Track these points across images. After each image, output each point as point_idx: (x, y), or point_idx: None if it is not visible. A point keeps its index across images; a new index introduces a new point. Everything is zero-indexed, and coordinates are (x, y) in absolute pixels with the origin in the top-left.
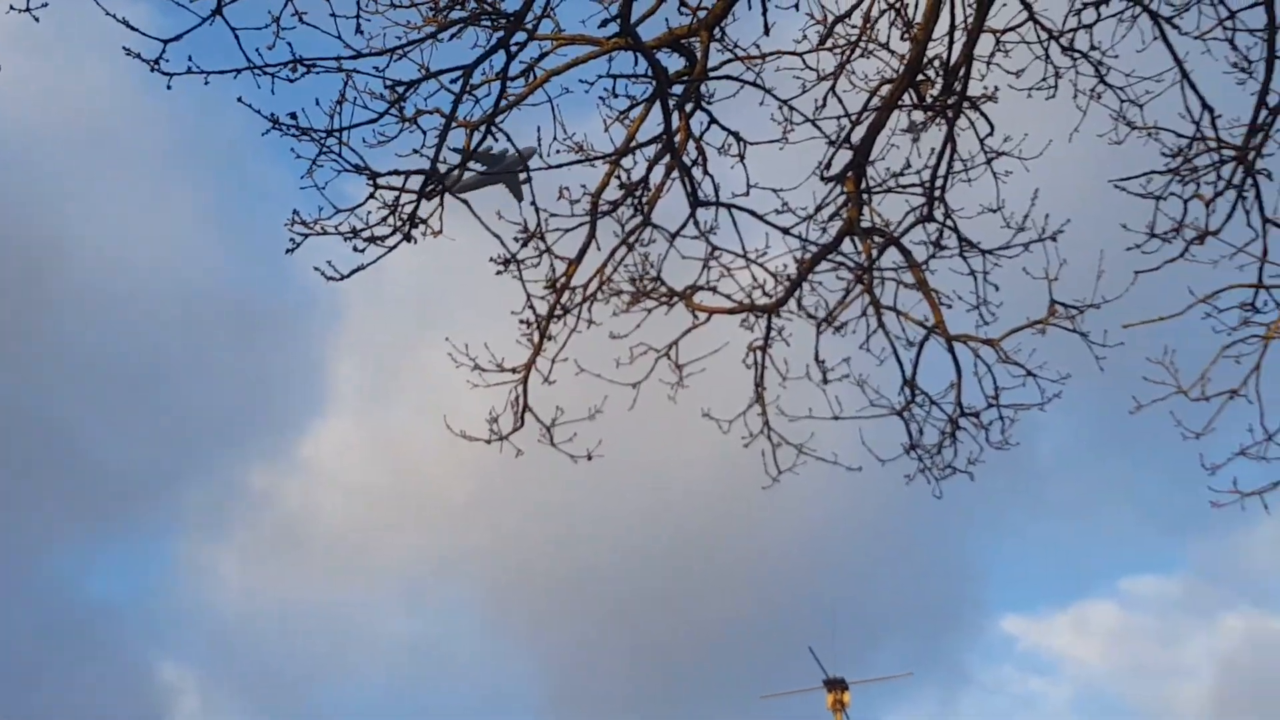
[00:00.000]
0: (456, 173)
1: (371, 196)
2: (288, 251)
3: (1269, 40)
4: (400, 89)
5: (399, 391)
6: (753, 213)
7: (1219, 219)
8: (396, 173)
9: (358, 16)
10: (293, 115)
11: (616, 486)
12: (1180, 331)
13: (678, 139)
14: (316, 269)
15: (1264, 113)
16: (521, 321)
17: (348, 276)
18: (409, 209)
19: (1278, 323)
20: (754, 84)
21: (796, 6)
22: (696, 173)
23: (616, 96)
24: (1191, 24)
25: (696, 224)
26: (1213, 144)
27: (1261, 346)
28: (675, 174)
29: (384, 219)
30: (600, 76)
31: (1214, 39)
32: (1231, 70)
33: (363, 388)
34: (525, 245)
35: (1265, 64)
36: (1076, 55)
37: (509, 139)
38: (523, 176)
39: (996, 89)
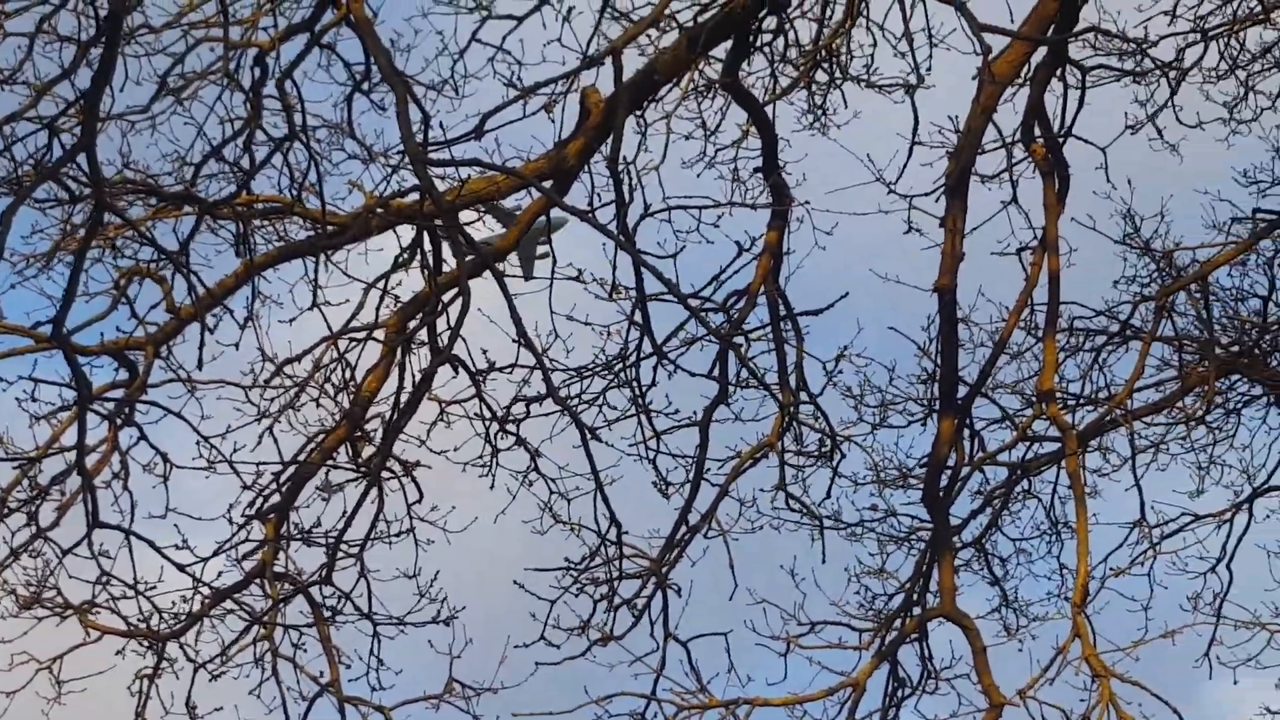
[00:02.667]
0: None
1: None
2: None
3: (697, 463)
4: None
5: None
6: (150, 543)
7: (624, 625)
8: None
9: None
10: None
11: None
12: None
13: (103, 449)
14: None
15: (683, 529)
16: None
17: None
18: None
19: None
20: (177, 414)
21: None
22: (116, 487)
23: (35, 401)
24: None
25: (91, 545)
26: (629, 551)
27: None
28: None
29: None
30: (21, 377)
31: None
32: (656, 487)
33: None
34: None
35: (691, 486)
36: (512, 436)
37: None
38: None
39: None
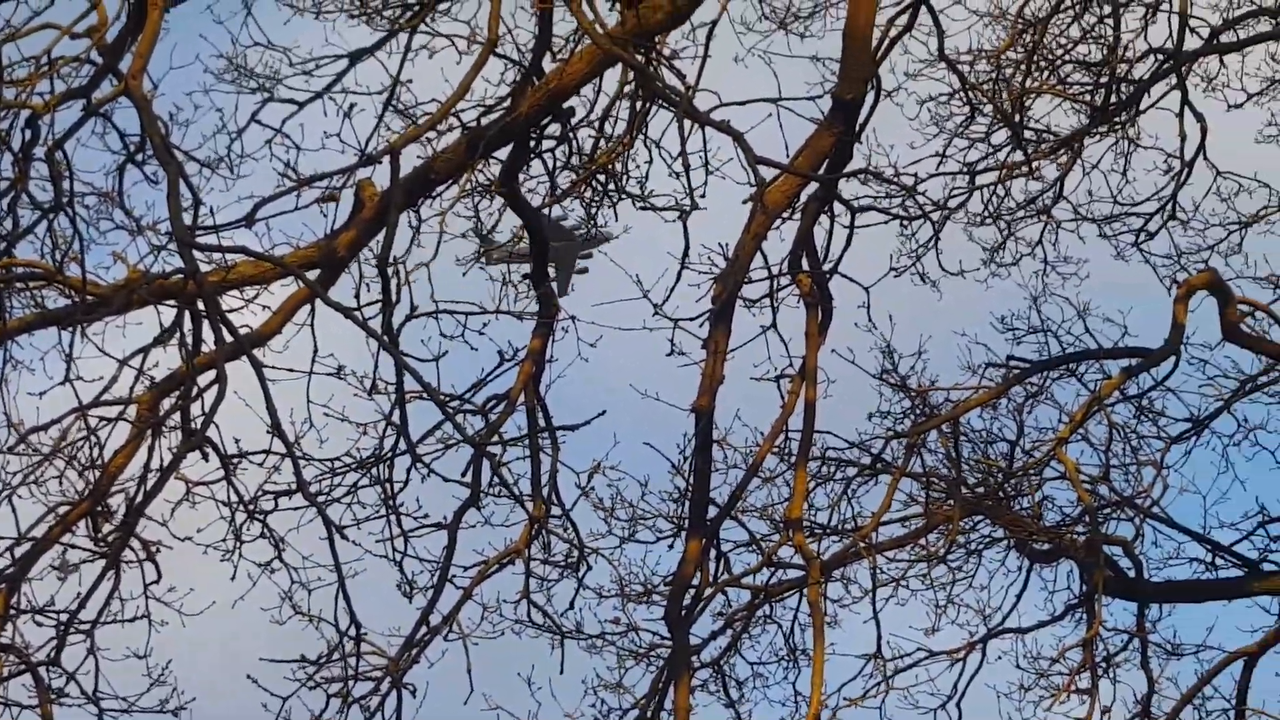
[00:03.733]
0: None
1: None
2: None
3: (443, 566)
4: None
5: None
6: None
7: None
8: None
9: None
10: None
11: None
12: None
13: None
14: None
15: (423, 630)
16: None
17: None
18: None
19: None
20: None
21: None
22: None
23: None
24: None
25: None
26: (367, 649)
27: None
28: None
29: None
30: None
31: None
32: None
33: None
34: None
35: (435, 588)
36: (259, 523)
37: None
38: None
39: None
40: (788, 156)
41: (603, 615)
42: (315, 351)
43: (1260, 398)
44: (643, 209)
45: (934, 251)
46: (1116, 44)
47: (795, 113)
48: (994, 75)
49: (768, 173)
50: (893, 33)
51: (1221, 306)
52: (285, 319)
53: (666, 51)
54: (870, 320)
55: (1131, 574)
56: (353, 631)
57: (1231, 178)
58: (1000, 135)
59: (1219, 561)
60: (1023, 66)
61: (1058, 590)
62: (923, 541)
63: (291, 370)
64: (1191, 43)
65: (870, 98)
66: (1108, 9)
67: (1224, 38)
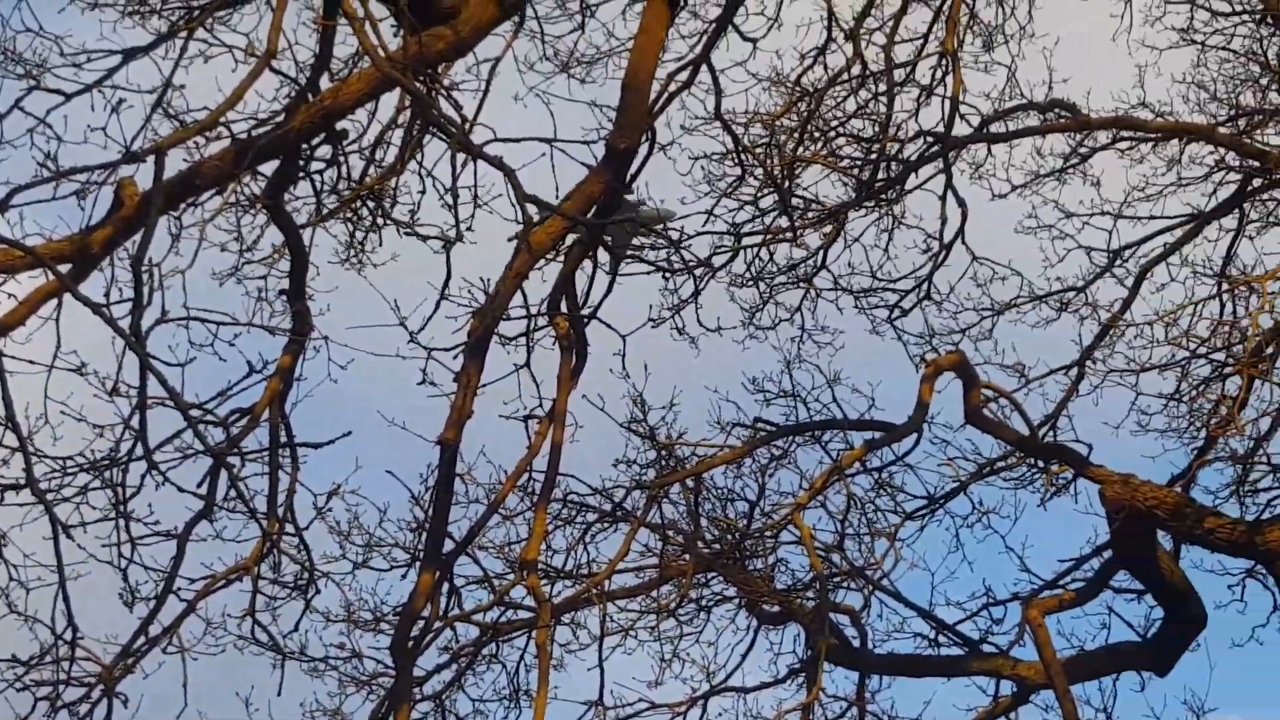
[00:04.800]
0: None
1: None
2: None
3: (169, 576)
4: None
5: None
6: None
7: None
8: None
9: None
10: None
11: None
12: None
13: None
14: None
15: (142, 640)
16: None
17: None
18: None
19: None
20: None
21: None
22: None
23: None
24: None
25: None
26: (82, 654)
27: None
28: None
29: None
30: None
31: None
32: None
33: None
34: None
35: (158, 599)
36: None
37: None
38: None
39: None
40: (558, 198)
41: (328, 640)
42: (58, 347)
43: (996, 482)
44: (408, 235)
45: (695, 307)
46: (889, 122)
47: (569, 155)
48: (768, 140)
49: (537, 213)
50: (672, 87)
51: (966, 389)
52: (31, 310)
53: (447, 82)
54: (624, 369)
55: (857, 643)
56: (68, 635)
57: (987, 264)
58: (769, 200)
59: (942, 639)
60: (796, 134)
61: (783, 653)
62: (655, 593)
63: (32, 363)
64: (961, 129)
65: (645, 148)
66: (883, 87)
67: (993, 127)
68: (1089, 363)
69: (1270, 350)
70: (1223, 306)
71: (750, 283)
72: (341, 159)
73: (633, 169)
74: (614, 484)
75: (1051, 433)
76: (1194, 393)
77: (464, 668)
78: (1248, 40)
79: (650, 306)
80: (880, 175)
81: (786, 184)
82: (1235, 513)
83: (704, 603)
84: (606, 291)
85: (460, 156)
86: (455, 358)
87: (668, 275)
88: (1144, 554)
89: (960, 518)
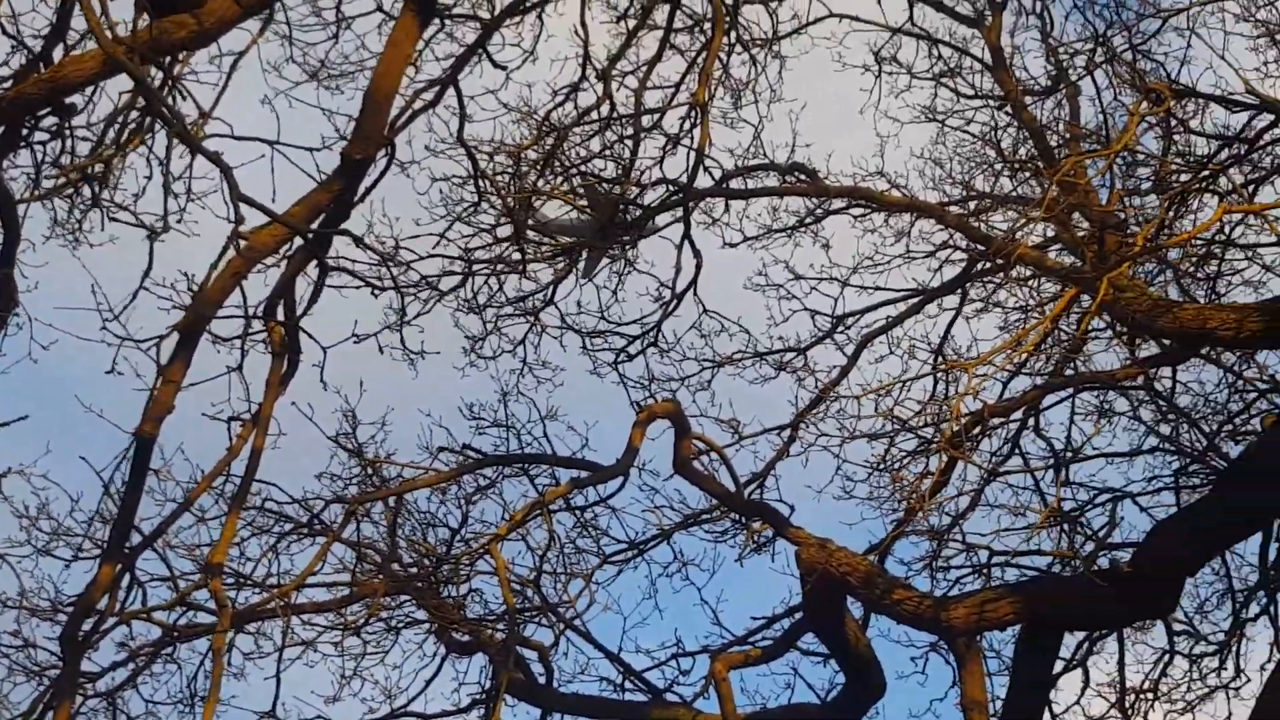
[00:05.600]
0: None
1: None
2: None
3: None
4: None
5: None
6: None
7: None
8: None
9: None
10: None
11: None
12: None
13: None
14: None
15: None
16: None
17: None
18: None
19: None
20: None
21: None
22: None
23: None
24: None
25: None
26: None
27: None
28: None
29: None
30: None
31: None
32: None
33: None
34: None
35: None
36: None
37: None
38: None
39: None
40: (285, 203)
41: (2, 627)
42: None
43: (698, 533)
44: (113, 220)
45: (409, 328)
46: (632, 166)
47: (296, 165)
48: (511, 171)
49: (258, 217)
50: (417, 105)
51: (677, 439)
52: None
53: (185, 70)
54: (322, 380)
55: (543, 680)
56: None
57: (716, 317)
58: (505, 230)
59: (628, 684)
60: (539, 167)
61: (467, 683)
62: (343, 610)
63: None
64: (703, 181)
65: (383, 163)
66: (630, 130)
67: (734, 183)
68: (801, 425)
69: (976, 432)
70: (935, 384)
71: (476, 310)
72: (68, 133)
73: (367, 182)
74: (314, 496)
75: (759, 490)
76: (898, 465)
77: (141, 667)
78: (985, 126)
79: (355, 322)
80: (618, 218)
81: (523, 216)
82: (927, 586)
83: (394, 623)
84: (312, 300)
85: (180, 148)
86: (149, 350)
87: (376, 293)
88: (833, 619)
89: (660, 565)
